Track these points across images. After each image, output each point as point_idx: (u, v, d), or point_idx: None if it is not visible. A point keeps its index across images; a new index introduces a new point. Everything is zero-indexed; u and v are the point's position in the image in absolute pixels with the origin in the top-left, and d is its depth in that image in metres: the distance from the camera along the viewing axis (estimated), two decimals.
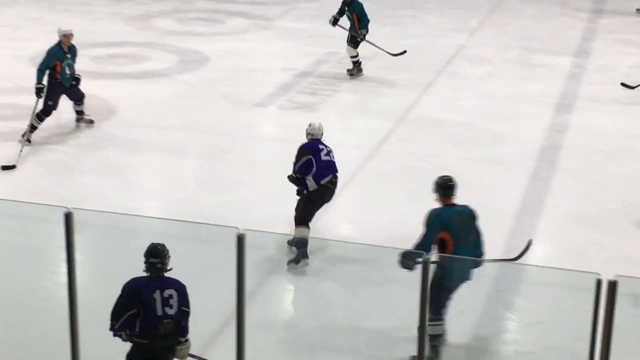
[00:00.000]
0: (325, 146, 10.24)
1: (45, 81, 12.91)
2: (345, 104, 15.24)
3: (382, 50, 16.62)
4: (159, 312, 6.77)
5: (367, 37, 16.31)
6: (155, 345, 6.77)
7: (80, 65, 14.87)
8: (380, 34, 19.84)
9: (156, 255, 6.84)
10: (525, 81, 16.70)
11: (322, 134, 10.33)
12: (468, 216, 8.11)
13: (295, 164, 10.08)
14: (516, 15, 21.96)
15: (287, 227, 9.97)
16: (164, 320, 6.77)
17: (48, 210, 8.54)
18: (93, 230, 9.36)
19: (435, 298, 7.85)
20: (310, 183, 10.03)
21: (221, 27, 20.10)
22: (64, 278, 6.40)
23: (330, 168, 10.11)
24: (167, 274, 6.88)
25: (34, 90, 12.83)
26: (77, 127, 13.56)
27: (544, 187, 12.01)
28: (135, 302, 6.74)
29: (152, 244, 6.87)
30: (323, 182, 10.01)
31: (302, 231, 9.87)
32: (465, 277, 8.10)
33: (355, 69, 16.55)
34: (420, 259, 6.09)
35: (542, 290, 9.31)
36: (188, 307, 6.90)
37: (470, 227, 8.08)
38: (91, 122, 13.78)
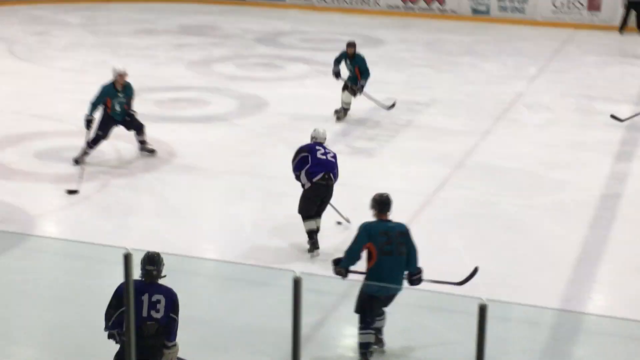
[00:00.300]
0: (325, 148, 11.06)
1: (99, 113, 13.85)
2: (403, 149, 15.25)
3: (377, 102, 16.58)
4: (144, 314, 7.28)
5: (364, 89, 16.41)
6: (140, 345, 6.88)
7: (143, 108, 15.18)
8: (439, 80, 19.94)
9: (152, 263, 7.40)
10: (585, 128, 16.59)
11: (325, 139, 11.34)
12: (398, 232, 8.64)
13: (292, 161, 11.03)
14: (575, 63, 21.88)
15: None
16: (148, 322, 7.28)
17: (108, 250, 8.65)
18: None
19: (363, 306, 8.44)
20: (304, 180, 10.92)
21: (281, 73, 20.30)
22: None
23: (323, 166, 10.85)
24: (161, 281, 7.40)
25: (84, 121, 13.67)
26: (136, 167, 13.74)
27: (603, 236, 11.89)
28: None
29: (149, 252, 7.38)
30: (315, 179, 10.82)
31: (307, 224, 10.99)
32: (393, 289, 8.48)
33: (342, 113, 16.58)
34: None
35: (602, 340, 9.18)
36: (176, 314, 7.37)
37: (399, 242, 8.58)
38: (152, 151, 14.27)
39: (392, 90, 18.56)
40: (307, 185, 10.92)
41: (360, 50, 16.91)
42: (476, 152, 15.12)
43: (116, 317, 7.29)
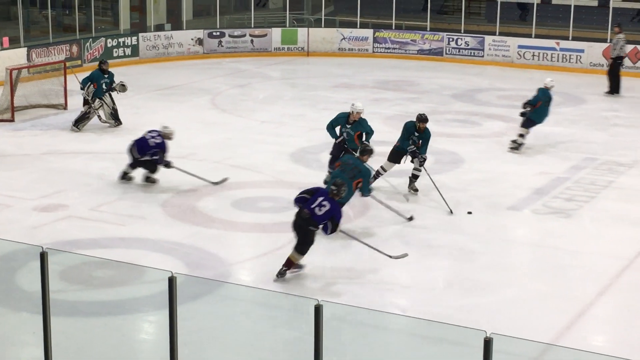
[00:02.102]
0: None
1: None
2: (603, 210, 14.71)
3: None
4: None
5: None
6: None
7: None
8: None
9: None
10: None
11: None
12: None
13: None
14: None
15: (536, 334, 9.64)
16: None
17: (297, 300, 8.67)
18: (343, 324, 9.39)
19: None
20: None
21: (477, 129, 20.08)
22: None
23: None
24: None
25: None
26: None
27: None
28: None
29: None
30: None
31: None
32: None
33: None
34: None
35: None
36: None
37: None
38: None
39: (590, 151, 18.04)
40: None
41: (562, 108, 16.51)
42: None
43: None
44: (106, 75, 19.26)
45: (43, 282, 8.01)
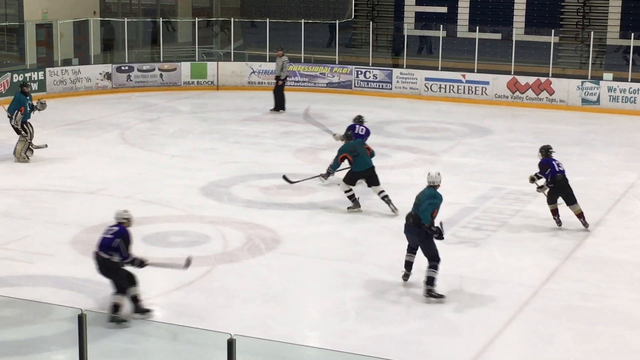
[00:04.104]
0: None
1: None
2: (510, 240, 14.98)
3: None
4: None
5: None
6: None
7: (248, 194, 15.30)
8: None
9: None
10: None
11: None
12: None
13: None
14: None
15: None
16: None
17: (211, 336, 8.64)
18: (255, 357, 9.38)
19: None
20: None
21: (387, 161, 20.26)
22: None
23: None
24: None
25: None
26: (241, 252, 13.79)
27: None
28: None
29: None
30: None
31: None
32: None
33: (353, 204, 16.19)
34: None
35: None
36: None
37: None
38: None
39: (498, 180, 18.41)
40: None
41: (468, 139, 16.79)
42: (586, 244, 14.76)
43: None
44: (28, 97, 19.39)
45: None
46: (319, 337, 11.38)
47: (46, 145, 19.68)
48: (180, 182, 18.04)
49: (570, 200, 15.32)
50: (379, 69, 29.20)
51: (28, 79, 26.83)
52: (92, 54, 29.59)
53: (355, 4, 33.79)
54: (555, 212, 15.50)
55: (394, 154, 20.95)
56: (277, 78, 26.21)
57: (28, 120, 19.32)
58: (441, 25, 29.98)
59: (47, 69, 27.72)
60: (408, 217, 12.43)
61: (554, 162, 15.42)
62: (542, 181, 15.50)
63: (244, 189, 17.50)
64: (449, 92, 28.33)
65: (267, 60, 30.01)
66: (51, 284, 12.60)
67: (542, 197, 17.14)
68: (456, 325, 11.52)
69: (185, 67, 29.61)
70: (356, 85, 29.30)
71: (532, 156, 20.97)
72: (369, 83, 29.18)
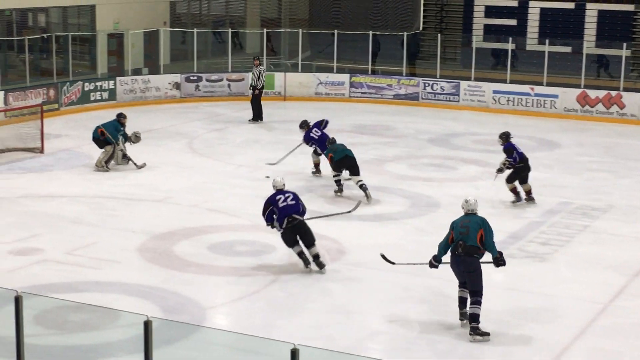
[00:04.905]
0: (284, 194, 13.56)
1: None
2: (577, 254, 14.80)
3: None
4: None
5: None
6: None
7: (315, 205, 15.35)
8: (617, 185, 19.41)
9: None
10: None
11: (284, 185, 13.81)
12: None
13: (262, 214, 13.67)
14: None
15: None
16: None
17: (273, 345, 8.66)
18: None
19: None
20: (277, 227, 13.54)
21: (453, 174, 20.19)
22: None
23: (286, 210, 13.42)
24: None
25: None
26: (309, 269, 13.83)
27: None
28: None
29: None
30: (284, 225, 13.42)
31: (295, 249, 13.58)
32: None
33: (338, 188, 17.99)
34: None
35: None
36: None
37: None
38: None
39: (565, 195, 18.19)
40: (281, 230, 13.54)
41: (536, 153, 16.65)
42: None
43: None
44: (122, 127, 19.89)
45: (17, 327, 7.98)
46: (382, 349, 11.34)
47: (144, 165, 20.06)
48: (246, 191, 18.14)
49: (525, 179, 17.46)
50: (447, 81, 29.07)
51: (99, 88, 27.27)
52: (162, 63, 29.95)
53: (423, 16, 33.71)
54: (514, 190, 17.45)
55: (460, 167, 20.83)
56: (254, 88, 26.26)
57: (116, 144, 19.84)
58: (510, 38, 29.78)
59: (118, 78, 28.12)
60: (455, 248, 11.57)
61: (516, 145, 17.54)
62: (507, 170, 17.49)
63: (310, 199, 17.51)
64: (517, 105, 28.08)
65: (334, 71, 30.09)
66: (118, 291, 12.76)
67: (611, 214, 16.94)
68: (521, 342, 11.39)
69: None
70: (423, 97, 29.20)
71: (601, 171, 20.79)
72: (436, 95, 29.06)
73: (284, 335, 10.84)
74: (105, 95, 27.54)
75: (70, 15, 30.51)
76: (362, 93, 29.63)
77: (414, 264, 12.85)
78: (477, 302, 11.36)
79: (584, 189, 18.95)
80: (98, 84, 27.54)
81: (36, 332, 10.55)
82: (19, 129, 21.38)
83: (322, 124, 19.58)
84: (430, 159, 21.65)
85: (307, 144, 19.39)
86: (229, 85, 29.51)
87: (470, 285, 11.45)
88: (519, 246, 15.04)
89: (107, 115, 21.78)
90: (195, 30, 30.23)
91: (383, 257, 12.95)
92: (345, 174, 18.00)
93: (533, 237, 15.62)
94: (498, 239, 15.25)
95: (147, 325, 7.55)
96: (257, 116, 26.07)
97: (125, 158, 20.01)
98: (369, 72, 30.06)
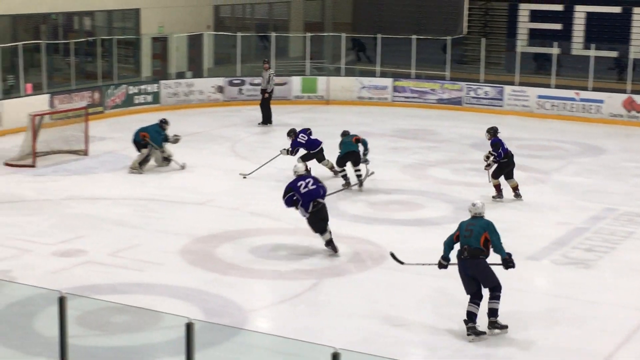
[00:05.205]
0: (305, 179, 14.27)
1: None
2: (623, 261, 14.63)
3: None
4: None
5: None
6: None
7: (357, 209, 15.30)
8: None
9: None
10: None
11: (305, 170, 14.91)
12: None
13: (283, 198, 14.48)
14: None
15: None
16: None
17: (314, 348, 8.64)
18: None
19: None
20: (302, 213, 14.19)
21: None
22: None
23: (309, 196, 14.07)
24: None
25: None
26: (347, 266, 13.80)
27: None
28: None
29: None
30: (310, 210, 14.06)
31: (325, 236, 14.26)
32: None
33: (345, 182, 18.67)
34: None
35: None
36: None
37: None
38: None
39: (611, 201, 18.00)
40: (307, 215, 14.16)
41: (581, 158, 16.48)
42: None
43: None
44: (163, 131, 20.10)
45: (61, 327, 8.03)
46: (423, 354, 11.29)
47: (185, 165, 20.27)
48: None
49: (510, 175, 17.90)
50: (491, 86, 28.90)
51: (142, 91, 27.46)
52: (205, 67, 30.08)
53: (468, 20, 33.57)
54: (498, 187, 17.89)
55: None
56: (264, 91, 26.24)
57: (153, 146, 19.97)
58: (555, 43, 29.55)
59: (162, 82, 28.31)
60: (461, 252, 11.55)
61: (502, 141, 18.01)
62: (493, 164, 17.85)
63: (352, 203, 17.52)
64: (562, 110, 27.85)
65: (377, 75, 30.05)
66: (160, 293, 12.81)
67: None
68: (563, 349, 11.28)
69: (296, 82, 29.88)
70: (466, 101, 29.06)
71: None
72: (480, 100, 28.91)
73: (325, 339, 10.82)
74: (149, 98, 27.73)
75: (116, 18, 30.76)
76: (405, 97, 29.57)
77: (423, 264, 12.87)
78: (496, 297, 11.41)
79: (629, 195, 18.74)
80: (142, 87, 27.75)
81: (79, 332, 10.61)
82: (64, 132, 21.56)
83: (307, 131, 19.93)
84: (473, 163, 21.49)
85: (294, 150, 19.60)
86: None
87: (485, 284, 11.45)
88: (563, 252, 14.91)
89: (151, 118, 21.90)
90: (238, 34, 30.35)
91: (393, 256, 12.92)
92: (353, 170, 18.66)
93: (577, 243, 15.46)
94: (542, 244, 15.23)
95: (189, 327, 7.57)
96: (267, 120, 26.12)
97: (167, 160, 20.15)
98: (413, 77, 29.98)
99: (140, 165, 19.77)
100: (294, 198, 14.21)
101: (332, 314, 12.30)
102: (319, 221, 14.19)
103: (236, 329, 11.13)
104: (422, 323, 12.10)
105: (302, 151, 19.50)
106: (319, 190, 14.25)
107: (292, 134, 19.94)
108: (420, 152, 22.61)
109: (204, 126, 25.60)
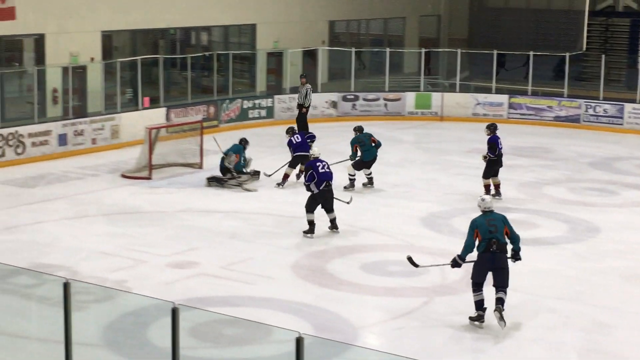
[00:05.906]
0: (322, 162, 16.20)
1: None
2: None
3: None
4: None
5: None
6: None
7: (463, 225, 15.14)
8: None
9: None
10: None
11: (320, 154, 16.56)
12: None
13: (304, 175, 16.75)
14: None
15: None
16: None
17: None
18: None
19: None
20: (313, 188, 16.01)
21: (615, 199, 19.55)
22: None
23: (325, 176, 16.04)
24: None
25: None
26: (458, 285, 13.60)
27: None
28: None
29: None
30: (321, 187, 15.97)
31: (309, 216, 16.07)
32: None
33: (349, 184, 19.66)
34: None
35: None
36: None
37: None
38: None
39: None
40: (316, 191, 15.99)
41: None
42: None
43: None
44: (245, 151, 20.34)
45: (174, 338, 8.10)
46: None
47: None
48: (400, 211, 18.04)
49: (495, 174, 18.79)
50: (610, 104, 28.23)
51: (257, 105, 27.74)
52: (320, 82, 30.22)
53: (587, 36, 32.90)
54: (488, 188, 18.63)
55: (622, 192, 20.16)
56: (301, 106, 25.89)
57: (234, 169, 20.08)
58: None
59: (276, 97, 28.54)
60: (489, 245, 11.98)
61: (499, 140, 18.86)
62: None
63: (465, 221, 17.20)
64: None
65: (493, 91, 29.70)
66: (271, 306, 12.85)
67: None
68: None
69: (410, 97, 29.74)
70: (584, 119, 28.45)
71: None
72: (599, 117, 28.26)
73: (436, 356, 10.68)
74: (263, 113, 27.99)
75: (232, 34, 31.18)
76: (520, 114, 29.13)
77: (437, 265, 13.53)
78: (504, 291, 11.97)
79: None
80: (257, 101, 28.03)
81: (191, 344, 10.72)
82: (180, 145, 21.91)
83: (306, 134, 20.81)
84: (591, 183, 21.04)
85: (289, 147, 20.11)
86: (385, 105, 29.52)
87: (499, 281, 12.00)
88: None
89: (264, 132, 22.13)
90: (353, 50, 30.40)
91: (410, 259, 13.10)
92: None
93: None
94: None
95: (299, 342, 7.54)
96: None
97: (239, 185, 19.96)
98: (529, 93, 29.52)
99: (211, 181, 19.96)
100: (313, 174, 15.98)
101: (443, 332, 12.12)
102: (321, 200, 16.01)
103: (346, 345, 11.08)
104: (537, 344, 11.83)
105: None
106: (331, 175, 16.21)
107: (290, 132, 20.41)
108: (536, 171, 22.21)
109: (317, 141, 25.57)
